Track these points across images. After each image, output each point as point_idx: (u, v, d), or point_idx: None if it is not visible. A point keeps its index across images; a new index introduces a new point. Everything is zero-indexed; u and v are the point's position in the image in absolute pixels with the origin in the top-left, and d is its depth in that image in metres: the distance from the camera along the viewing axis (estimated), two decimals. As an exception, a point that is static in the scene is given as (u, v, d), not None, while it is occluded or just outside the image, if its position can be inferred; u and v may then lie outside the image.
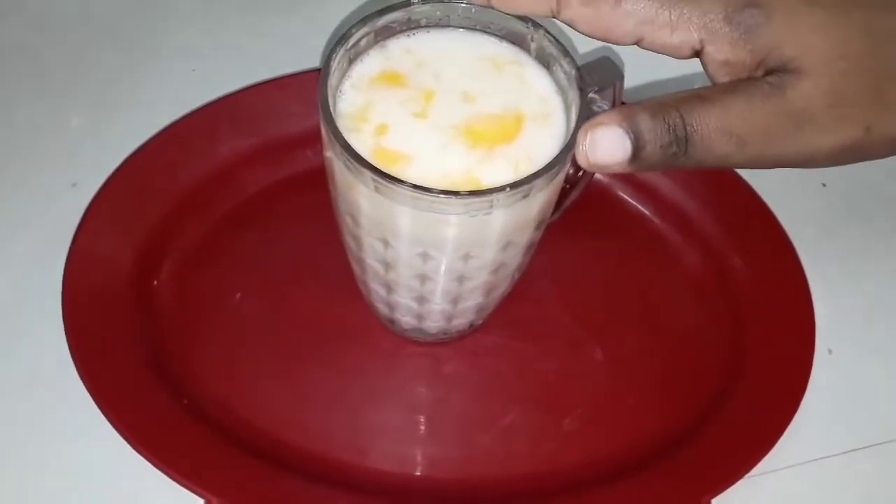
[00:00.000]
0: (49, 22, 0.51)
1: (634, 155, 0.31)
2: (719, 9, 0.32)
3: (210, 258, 0.43)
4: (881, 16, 0.32)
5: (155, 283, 0.41)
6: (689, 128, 0.31)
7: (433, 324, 0.39)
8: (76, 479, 0.37)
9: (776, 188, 0.44)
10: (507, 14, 0.34)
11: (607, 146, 0.31)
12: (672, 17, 0.32)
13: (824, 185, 0.47)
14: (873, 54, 0.32)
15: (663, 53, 0.33)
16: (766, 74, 0.32)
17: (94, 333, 0.38)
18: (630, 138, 0.31)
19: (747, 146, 0.32)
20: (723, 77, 0.33)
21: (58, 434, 0.38)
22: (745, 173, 0.45)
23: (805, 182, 0.47)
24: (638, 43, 0.33)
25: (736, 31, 0.32)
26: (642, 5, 0.32)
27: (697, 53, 0.33)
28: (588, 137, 0.31)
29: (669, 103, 0.31)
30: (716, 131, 0.31)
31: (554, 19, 0.33)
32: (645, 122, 0.31)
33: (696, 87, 0.32)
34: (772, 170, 0.44)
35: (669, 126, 0.31)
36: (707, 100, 0.31)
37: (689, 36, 0.32)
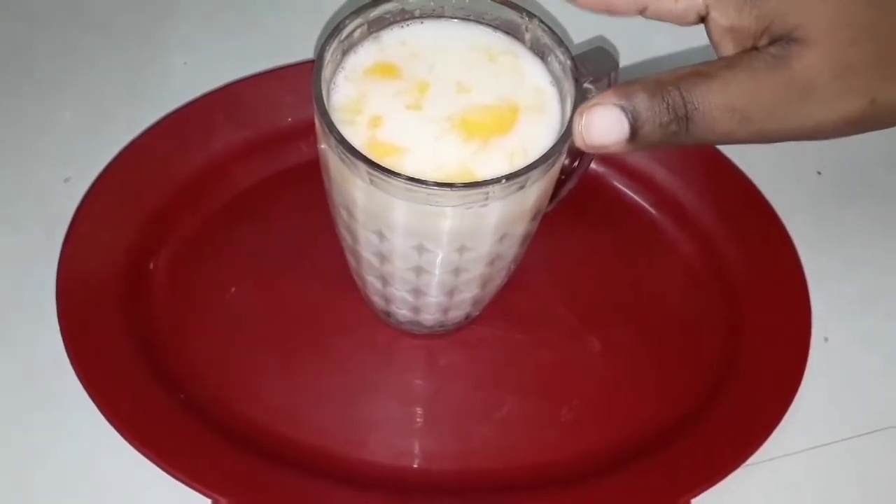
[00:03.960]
0: (40, 15, 0.51)
1: (633, 134, 0.30)
2: None
3: (205, 252, 0.42)
4: None
5: (150, 277, 0.41)
6: (689, 106, 0.30)
7: (429, 316, 0.39)
8: (74, 478, 0.37)
9: (771, 177, 0.44)
10: (506, 3, 0.33)
11: (604, 126, 0.30)
12: None
13: (819, 173, 0.47)
14: (878, 24, 0.32)
15: (668, 21, 0.32)
16: (770, 44, 0.31)
17: (89, 329, 0.38)
18: (628, 118, 0.30)
19: (751, 122, 0.31)
20: (727, 45, 0.32)
21: (55, 432, 0.38)
22: (739, 160, 0.45)
23: (800, 170, 0.47)
24: (642, 12, 0.32)
25: None
26: None
27: (702, 19, 0.32)
28: (584, 118, 0.30)
29: (668, 80, 0.31)
30: (717, 108, 0.30)
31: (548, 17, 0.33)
32: (643, 101, 0.30)
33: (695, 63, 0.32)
34: (767, 157, 0.44)
35: (668, 104, 0.30)
36: (708, 76, 0.31)
37: (693, 2, 0.32)
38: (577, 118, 0.31)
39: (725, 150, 0.45)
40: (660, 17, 0.32)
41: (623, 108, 0.30)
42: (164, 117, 0.44)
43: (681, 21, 0.32)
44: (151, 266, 0.41)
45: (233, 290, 0.41)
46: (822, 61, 0.31)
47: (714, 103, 0.30)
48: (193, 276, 0.42)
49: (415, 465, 0.38)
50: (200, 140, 0.44)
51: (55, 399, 0.38)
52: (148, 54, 0.50)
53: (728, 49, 0.32)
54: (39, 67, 0.49)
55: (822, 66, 0.31)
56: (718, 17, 0.32)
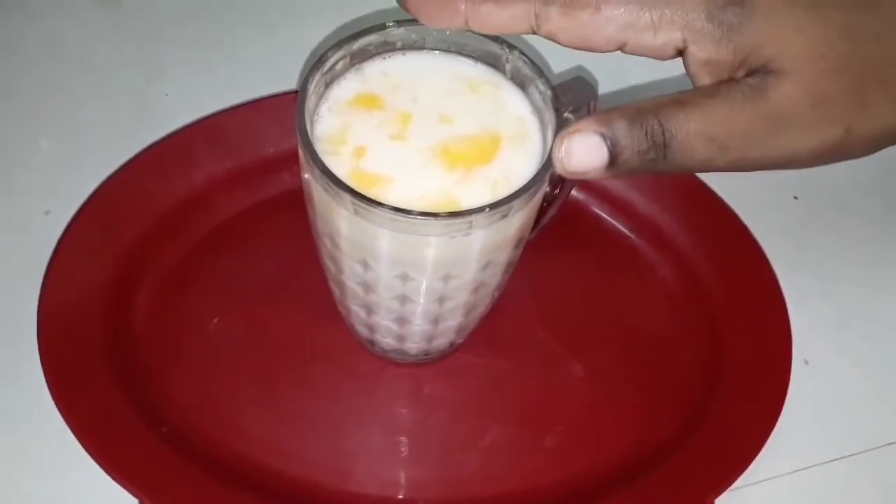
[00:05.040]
0: (18, 47, 0.51)
1: (612, 161, 0.31)
2: (701, 7, 0.31)
3: (187, 283, 0.42)
4: (860, 16, 0.33)
5: (132, 309, 0.41)
6: (667, 134, 0.31)
7: (414, 344, 0.39)
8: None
9: (749, 201, 0.45)
10: (486, 35, 0.34)
11: (583, 153, 0.31)
12: (654, 18, 0.32)
13: (796, 197, 0.48)
14: (853, 55, 0.32)
15: (647, 56, 0.33)
16: (748, 75, 0.32)
17: (70, 362, 0.38)
18: (607, 145, 0.31)
19: (728, 150, 0.31)
20: (704, 77, 0.33)
21: (35, 468, 0.37)
22: (718, 187, 0.45)
23: (777, 195, 0.48)
24: (621, 48, 0.33)
25: (718, 30, 0.31)
26: (623, 9, 0.32)
27: (680, 53, 0.32)
28: (564, 144, 0.31)
29: (648, 109, 0.31)
30: (695, 137, 0.31)
31: (534, 34, 0.33)
32: (622, 129, 0.31)
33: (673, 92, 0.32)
34: (745, 183, 0.44)
35: (647, 132, 0.31)
36: (686, 104, 0.31)
37: (671, 36, 0.32)
38: (557, 144, 0.31)
39: (704, 175, 0.45)
40: (639, 53, 0.33)
41: (602, 136, 0.31)
42: (146, 148, 0.44)
43: (659, 55, 0.33)
44: (134, 298, 0.41)
45: (216, 320, 0.41)
46: (798, 92, 0.31)
47: (692, 132, 0.31)
48: (176, 308, 0.41)
49: (400, 496, 0.38)
50: (183, 171, 0.44)
51: (36, 433, 0.37)
52: (130, 85, 0.50)
53: (705, 80, 0.33)
54: (20, 99, 0.49)
55: (798, 97, 0.31)
56: (696, 51, 0.32)
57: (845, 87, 0.32)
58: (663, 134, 0.31)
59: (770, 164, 0.33)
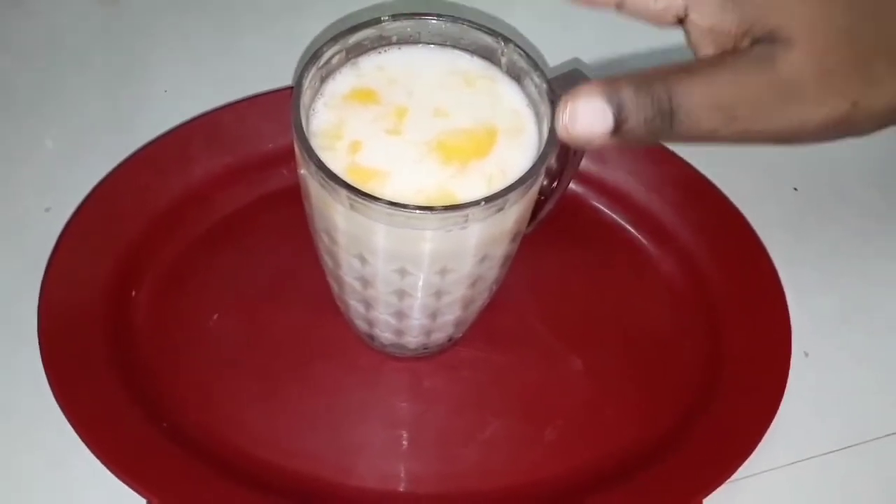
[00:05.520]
0: (16, 44, 0.51)
1: (616, 128, 0.30)
2: None
3: (186, 279, 0.42)
4: None
5: (132, 306, 0.41)
6: (674, 101, 0.30)
7: (412, 339, 0.39)
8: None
9: (749, 193, 0.45)
10: (481, 28, 0.33)
11: (588, 118, 0.30)
12: None
13: (796, 189, 0.48)
14: (860, 27, 0.31)
15: (645, 19, 0.32)
16: (752, 45, 0.31)
17: (70, 359, 0.38)
18: (612, 110, 0.30)
19: (735, 121, 0.30)
20: (706, 47, 0.32)
21: (36, 463, 0.37)
22: (717, 178, 0.45)
23: (777, 187, 0.48)
24: (619, 7, 0.32)
25: None
26: None
27: (681, 21, 0.32)
28: (568, 108, 0.30)
29: (655, 76, 0.30)
30: (702, 106, 0.30)
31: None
32: (628, 95, 0.30)
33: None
34: (744, 174, 0.44)
35: (654, 99, 0.30)
36: (694, 73, 0.30)
37: (673, 1, 0.31)
38: (560, 108, 0.30)
39: (703, 167, 0.45)
40: (637, 15, 0.32)
41: (608, 101, 0.30)
42: (145, 145, 0.44)
43: (658, 20, 0.32)
44: (133, 294, 0.41)
45: (215, 316, 0.41)
46: (806, 62, 0.30)
47: (699, 100, 0.30)
48: (176, 304, 0.42)
49: (400, 489, 0.38)
50: (181, 167, 0.44)
51: (37, 429, 0.38)
52: (128, 82, 0.50)
53: (708, 51, 0.32)
54: (19, 96, 0.49)
55: (805, 67, 0.30)
56: (698, 19, 0.31)
57: (852, 60, 0.31)
58: (670, 101, 0.30)
59: (775, 137, 0.32)
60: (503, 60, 0.35)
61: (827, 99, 0.31)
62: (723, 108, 0.30)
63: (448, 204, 0.31)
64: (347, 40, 0.34)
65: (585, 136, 0.30)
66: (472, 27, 0.35)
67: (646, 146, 0.34)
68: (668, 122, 0.30)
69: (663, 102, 0.30)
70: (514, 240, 0.35)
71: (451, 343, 0.41)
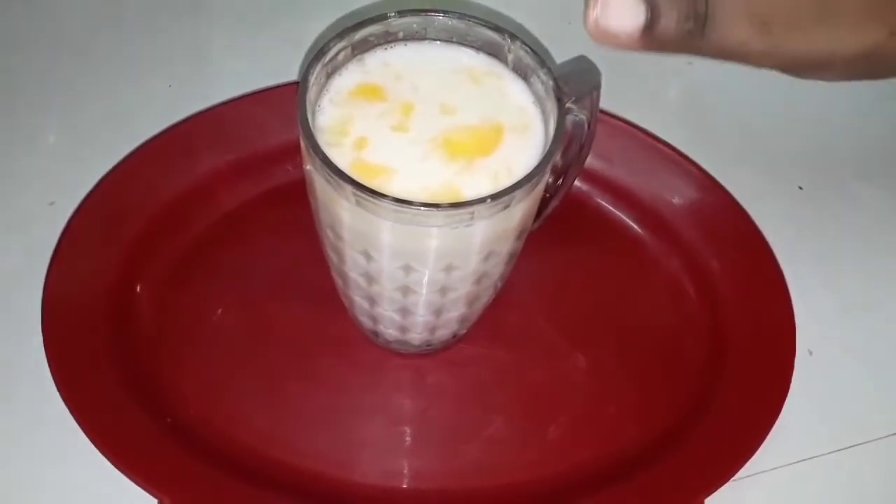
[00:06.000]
0: (20, 39, 0.51)
1: (649, 24, 0.29)
2: None
3: (190, 275, 0.42)
4: None
5: (135, 301, 0.41)
6: (710, 3, 0.29)
7: (417, 335, 0.39)
8: (59, 501, 0.36)
9: (753, 191, 0.45)
10: (487, 25, 0.33)
11: (621, 9, 0.29)
12: None
13: (801, 187, 0.48)
14: None
15: None
16: None
17: (74, 354, 0.38)
18: (645, 5, 0.29)
19: (769, 32, 0.29)
20: None
21: (40, 458, 0.37)
22: (721, 176, 0.45)
23: (781, 184, 0.48)
24: None
25: None
26: None
27: None
28: (600, 0, 0.29)
29: None
30: (738, 11, 0.29)
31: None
32: None
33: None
34: (749, 172, 0.44)
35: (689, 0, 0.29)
36: None
37: None
38: (592, 1, 0.29)
39: (708, 165, 0.45)
40: None
41: None
42: (149, 140, 0.44)
43: None
44: (137, 289, 0.41)
45: (219, 312, 0.41)
46: None
47: (737, 4, 0.29)
48: (179, 299, 0.42)
49: (403, 486, 0.38)
50: (185, 163, 0.44)
51: (40, 424, 0.38)
52: (132, 77, 0.50)
53: None
54: (22, 91, 0.49)
55: None
56: None
57: None
58: (706, 3, 0.29)
59: (804, 60, 0.31)
60: (510, 57, 0.35)
61: (868, 23, 0.30)
62: (759, 14, 0.29)
63: (454, 201, 0.31)
64: (353, 36, 0.34)
65: (615, 30, 0.29)
66: (478, 24, 0.35)
67: (672, 53, 0.32)
68: (700, 24, 0.29)
69: (699, 4, 0.29)
70: (519, 237, 0.35)
71: (456, 340, 0.41)
